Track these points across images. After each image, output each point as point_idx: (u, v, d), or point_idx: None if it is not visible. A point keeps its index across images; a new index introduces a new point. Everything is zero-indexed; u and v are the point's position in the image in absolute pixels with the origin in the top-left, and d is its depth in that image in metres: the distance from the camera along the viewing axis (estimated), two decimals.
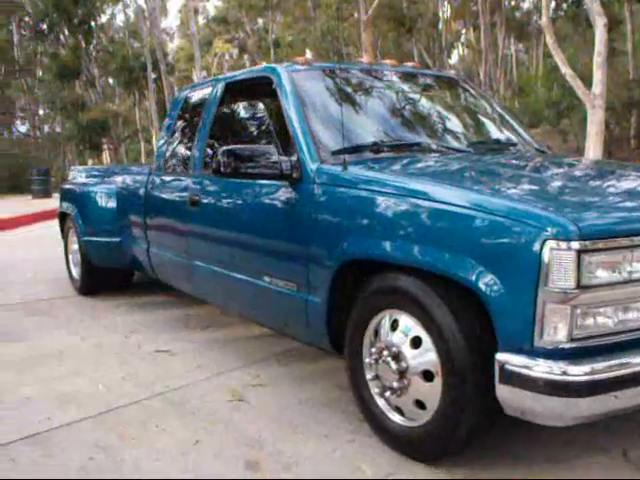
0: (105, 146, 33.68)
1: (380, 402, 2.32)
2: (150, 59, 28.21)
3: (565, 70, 16.04)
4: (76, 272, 4.99)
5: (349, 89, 3.11)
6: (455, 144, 2.97)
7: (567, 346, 1.79)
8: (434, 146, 2.87)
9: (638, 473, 2.14)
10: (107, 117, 30.44)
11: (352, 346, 2.41)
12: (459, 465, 2.18)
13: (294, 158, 2.69)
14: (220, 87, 3.55)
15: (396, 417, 2.28)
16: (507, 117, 3.57)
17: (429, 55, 34.35)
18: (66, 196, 5.09)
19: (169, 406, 2.78)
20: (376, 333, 2.32)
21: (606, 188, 2.33)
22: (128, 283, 5.08)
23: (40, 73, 33.17)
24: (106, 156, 36.66)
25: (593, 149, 15.38)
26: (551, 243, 1.76)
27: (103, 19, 35.09)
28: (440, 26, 36.14)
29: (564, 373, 1.77)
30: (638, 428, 2.48)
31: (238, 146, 2.75)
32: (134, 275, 5.06)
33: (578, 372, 1.77)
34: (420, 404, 2.17)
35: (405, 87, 3.31)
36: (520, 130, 3.50)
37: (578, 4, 24.51)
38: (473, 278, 1.93)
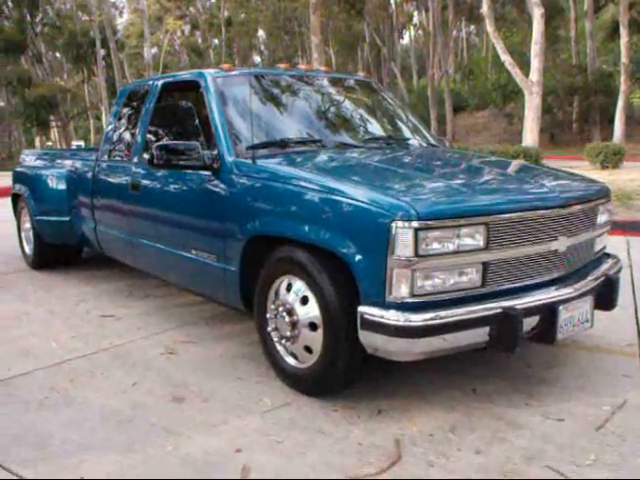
0: (53, 123, 33.13)
1: (280, 348, 2.94)
2: (99, 36, 27.90)
3: (505, 58, 16.92)
4: (29, 249, 5.44)
5: (265, 93, 3.69)
6: (351, 141, 3.57)
7: (409, 300, 2.42)
8: (333, 143, 3.47)
9: (483, 403, 2.82)
10: (55, 93, 30.01)
11: (259, 305, 3.02)
12: (339, 398, 2.83)
13: (215, 152, 3.25)
14: (159, 86, 4.07)
15: (291, 360, 2.90)
16: (408, 117, 4.24)
17: (379, 37, 34.86)
18: (19, 178, 5.51)
19: (113, 359, 3.33)
20: (276, 294, 2.94)
21: (450, 179, 2.95)
22: (77, 258, 5.55)
23: None
24: (54, 133, 36.03)
25: (530, 134, 16.34)
26: (396, 223, 2.38)
27: None
28: (391, 7, 36.50)
29: (407, 320, 2.40)
30: (484, 371, 3.17)
31: (169, 142, 3.32)
32: (82, 251, 5.54)
33: (417, 319, 2.39)
34: (308, 349, 2.79)
35: (316, 90, 3.90)
36: (420, 128, 4.17)
37: None
38: (344, 250, 2.54)
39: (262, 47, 50.15)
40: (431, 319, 2.42)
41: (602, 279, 3.02)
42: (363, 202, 2.52)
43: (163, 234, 3.76)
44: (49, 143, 35.19)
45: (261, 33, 45.83)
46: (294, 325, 2.81)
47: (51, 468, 2.29)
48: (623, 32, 21.63)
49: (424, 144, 3.96)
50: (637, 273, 5.02)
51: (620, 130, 21.53)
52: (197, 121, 3.48)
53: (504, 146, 15.59)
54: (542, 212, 2.66)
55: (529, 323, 2.65)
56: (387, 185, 2.68)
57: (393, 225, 2.39)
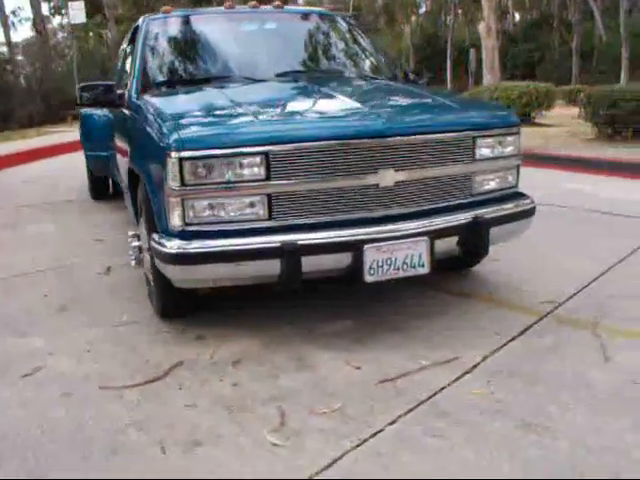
0: None
1: (144, 273, 3.15)
2: None
3: None
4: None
5: (192, 33, 3.77)
6: (260, 75, 3.45)
7: (186, 229, 2.46)
8: (239, 78, 3.45)
9: (302, 342, 2.77)
10: None
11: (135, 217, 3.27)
12: (178, 322, 2.98)
13: (123, 91, 3.49)
14: (132, 30, 4.38)
15: (150, 285, 3.08)
16: (366, 52, 4.01)
17: None
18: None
19: (58, 276, 3.85)
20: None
21: (272, 110, 2.79)
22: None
23: None
24: None
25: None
26: (170, 153, 2.41)
27: None
28: None
29: (179, 247, 2.45)
30: (348, 312, 3.05)
31: (89, 83, 3.62)
32: None
33: (188, 247, 2.44)
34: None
35: (251, 27, 3.87)
36: (376, 62, 3.94)
37: None
38: (145, 180, 2.65)
39: None
40: (202, 247, 2.44)
41: (464, 222, 2.68)
42: (157, 134, 2.58)
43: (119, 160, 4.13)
44: None
45: None
46: (140, 250, 3.01)
47: None
48: None
49: (370, 78, 3.73)
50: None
51: None
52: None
53: None
54: (345, 142, 2.45)
55: (338, 261, 2.51)
56: (188, 118, 2.66)
57: (167, 155, 2.42)
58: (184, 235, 2.47)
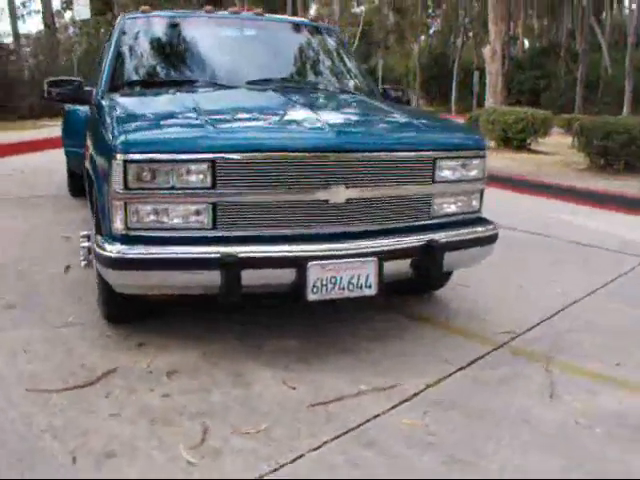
0: None
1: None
2: None
3: None
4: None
5: (166, 35, 3.72)
6: (228, 82, 3.36)
7: (126, 233, 2.39)
8: (207, 83, 3.38)
9: (247, 358, 2.69)
10: None
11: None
12: (121, 327, 2.91)
13: (90, 89, 3.42)
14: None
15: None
16: (346, 65, 3.97)
17: None
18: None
19: (16, 273, 3.77)
20: None
21: (227, 117, 2.74)
22: None
23: None
24: None
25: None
26: (115, 155, 2.35)
27: None
28: None
29: (119, 252, 2.38)
30: (300, 330, 2.97)
31: (60, 78, 3.55)
32: None
33: (125, 252, 2.36)
34: None
35: (229, 33, 3.82)
36: (352, 77, 3.91)
37: None
38: (96, 183, 2.59)
39: None
40: (141, 253, 2.36)
41: (417, 245, 2.61)
42: (108, 134, 2.51)
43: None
44: None
45: None
46: (89, 251, 2.93)
47: None
48: None
49: (342, 92, 3.68)
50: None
51: None
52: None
53: None
54: (294, 154, 2.39)
55: (282, 276, 2.44)
56: (140, 121, 2.60)
57: (112, 157, 2.35)
58: (126, 239, 2.39)
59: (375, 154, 2.50)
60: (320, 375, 2.51)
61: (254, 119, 2.77)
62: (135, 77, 3.44)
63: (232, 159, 2.34)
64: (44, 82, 3.50)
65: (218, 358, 2.64)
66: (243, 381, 2.45)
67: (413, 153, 2.59)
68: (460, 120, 11.17)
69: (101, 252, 2.43)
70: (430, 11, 41.01)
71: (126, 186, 2.33)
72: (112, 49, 3.54)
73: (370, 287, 2.51)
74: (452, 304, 3.45)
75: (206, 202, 2.37)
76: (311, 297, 2.43)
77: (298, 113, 2.75)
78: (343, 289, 2.47)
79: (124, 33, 3.63)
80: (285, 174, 2.39)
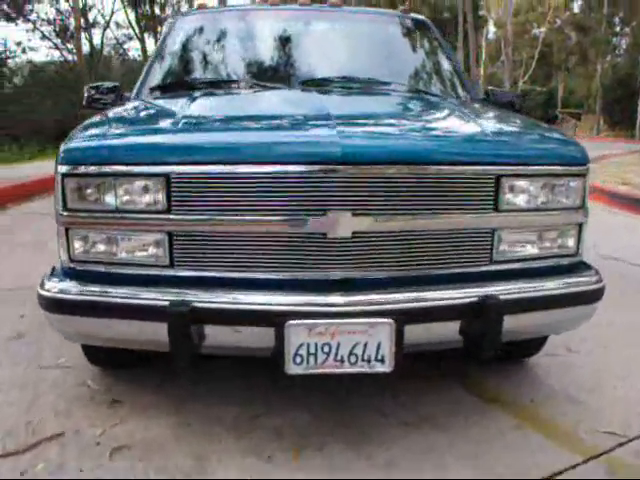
0: None
1: None
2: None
3: None
4: None
5: (221, 32, 3.17)
6: (284, 82, 2.80)
7: (72, 266, 1.87)
8: (249, 84, 2.79)
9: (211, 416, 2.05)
10: None
11: None
12: (105, 375, 2.45)
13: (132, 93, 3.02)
14: None
15: None
16: (439, 65, 3.18)
17: None
18: None
19: None
20: None
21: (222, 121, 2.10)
22: None
23: None
24: None
25: None
26: (56, 168, 1.83)
27: None
28: None
29: (53, 290, 1.83)
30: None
31: (99, 83, 3.20)
32: None
33: (66, 291, 1.82)
34: None
35: (301, 26, 3.19)
36: (441, 74, 3.11)
37: None
38: None
39: None
40: (76, 293, 1.81)
41: (464, 303, 1.77)
42: None
43: None
44: None
45: None
46: None
47: None
48: None
49: (420, 94, 2.88)
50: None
51: None
52: None
53: None
54: (279, 167, 1.69)
55: (256, 338, 1.76)
56: (106, 127, 2.02)
57: (59, 169, 1.85)
58: (70, 275, 1.87)
59: (395, 168, 1.71)
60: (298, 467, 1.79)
61: (245, 124, 2.07)
62: (173, 79, 2.97)
63: (190, 173, 1.71)
64: (84, 88, 3.19)
65: (191, 434, 2.02)
66: (201, 469, 1.81)
67: (458, 167, 1.76)
68: None
69: (38, 289, 1.91)
70: (617, 29, 37.01)
71: (65, 206, 1.81)
72: (157, 49, 3.15)
73: (382, 361, 1.72)
74: (547, 379, 2.49)
75: (160, 230, 1.77)
76: (292, 370, 1.71)
77: (316, 116, 2.02)
78: (342, 361, 1.72)
79: (172, 32, 3.20)
80: (264, 195, 1.70)
